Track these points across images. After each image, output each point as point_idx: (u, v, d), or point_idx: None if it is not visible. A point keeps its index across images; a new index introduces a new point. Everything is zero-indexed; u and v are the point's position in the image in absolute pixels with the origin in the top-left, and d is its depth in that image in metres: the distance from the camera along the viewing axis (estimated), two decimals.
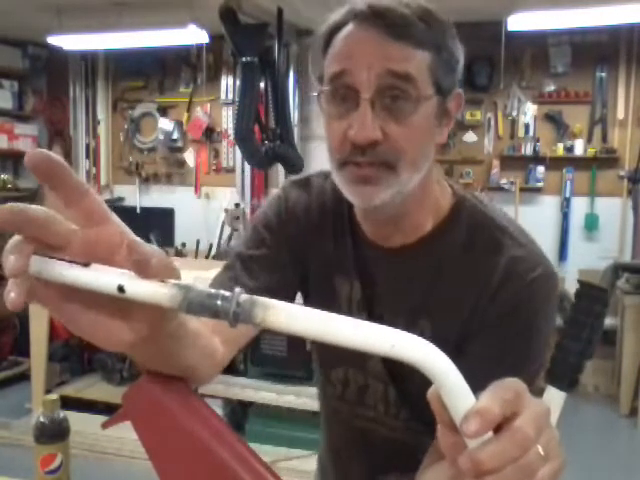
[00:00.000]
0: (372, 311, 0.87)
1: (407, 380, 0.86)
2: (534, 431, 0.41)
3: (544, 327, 0.80)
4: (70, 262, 0.44)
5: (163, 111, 5.04)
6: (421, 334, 0.83)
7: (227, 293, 0.43)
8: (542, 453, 0.41)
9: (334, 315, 0.43)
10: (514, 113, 4.41)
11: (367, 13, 0.72)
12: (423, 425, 0.87)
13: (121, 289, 0.43)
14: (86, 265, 0.44)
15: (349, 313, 0.87)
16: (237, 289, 0.43)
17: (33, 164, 0.43)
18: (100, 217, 0.46)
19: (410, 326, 0.83)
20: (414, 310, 0.84)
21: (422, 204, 0.82)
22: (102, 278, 0.43)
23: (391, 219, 0.82)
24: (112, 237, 0.46)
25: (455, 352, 0.82)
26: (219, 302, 0.42)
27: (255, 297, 0.43)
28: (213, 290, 0.43)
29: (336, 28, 0.75)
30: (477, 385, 0.42)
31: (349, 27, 0.74)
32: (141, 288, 0.43)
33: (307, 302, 0.92)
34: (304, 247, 0.89)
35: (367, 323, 0.42)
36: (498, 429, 0.41)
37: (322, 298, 0.89)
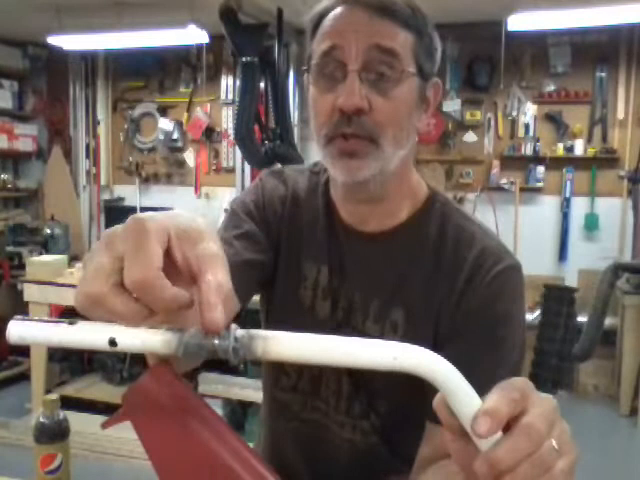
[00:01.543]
0: (339, 296, 0.88)
1: (360, 372, 0.86)
2: (545, 426, 0.41)
3: (516, 317, 0.81)
4: (53, 321, 0.43)
5: (163, 111, 5.04)
6: (394, 325, 0.83)
7: (223, 330, 0.42)
8: (556, 447, 0.41)
9: (333, 337, 0.42)
10: (514, 113, 4.41)
11: None
12: (373, 426, 0.88)
13: (112, 342, 0.42)
14: (72, 323, 0.43)
15: (313, 298, 0.89)
16: (232, 325, 0.43)
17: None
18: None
19: (383, 312, 0.85)
20: (387, 296, 0.85)
21: (401, 188, 0.85)
22: (92, 336, 0.42)
23: (371, 200, 0.84)
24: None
25: (432, 346, 0.82)
26: (216, 341, 0.42)
27: (252, 330, 0.42)
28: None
29: (325, 12, 0.79)
30: None
31: (338, 9, 0.78)
32: (133, 339, 0.42)
33: (274, 287, 0.92)
34: (278, 233, 0.91)
35: (367, 340, 0.42)
36: (508, 430, 0.41)
37: (289, 283, 0.90)
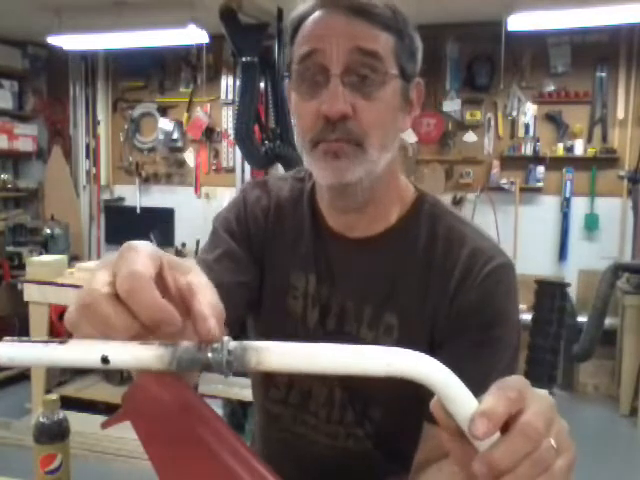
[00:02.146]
0: (330, 303, 0.87)
1: (353, 381, 0.85)
2: (543, 424, 0.41)
3: (509, 316, 0.81)
4: (44, 342, 0.42)
5: (163, 111, 5.04)
6: (389, 329, 0.83)
7: (215, 344, 0.42)
8: (554, 446, 0.41)
9: (326, 346, 0.42)
10: (514, 113, 4.41)
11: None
12: (367, 433, 0.87)
13: (105, 360, 0.42)
14: (62, 342, 0.43)
15: (304, 308, 0.88)
16: (225, 338, 0.43)
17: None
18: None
19: (377, 317, 0.84)
20: (380, 302, 0.84)
21: (388, 192, 0.84)
22: (83, 354, 0.42)
23: (358, 205, 0.83)
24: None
25: (427, 349, 0.82)
26: (210, 354, 0.42)
27: (245, 342, 0.42)
28: (199, 343, 0.42)
29: (303, 16, 0.78)
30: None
31: (316, 13, 0.77)
32: (125, 355, 0.42)
33: (261, 300, 0.91)
34: (262, 246, 0.91)
35: (360, 348, 0.42)
36: (506, 430, 0.41)
37: (277, 295, 0.89)
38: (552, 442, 0.41)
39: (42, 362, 0.42)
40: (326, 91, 0.74)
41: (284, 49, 3.59)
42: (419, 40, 0.81)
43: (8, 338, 0.43)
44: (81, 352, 0.42)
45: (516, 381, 0.43)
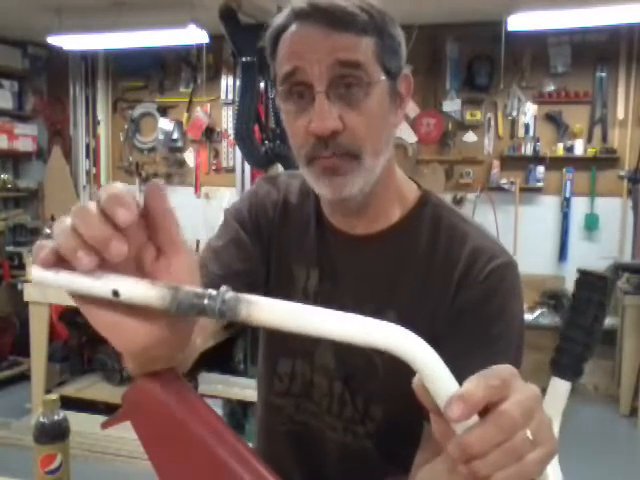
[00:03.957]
0: (332, 300, 0.86)
1: (354, 377, 0.86)
2: (521, 415, 0.41)
3: (512, 315, 0.81)
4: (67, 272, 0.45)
5: (163, 111, 5.04)
6: None
7: (213, 292, 0.44)
8: (530, 437, 0.41)
9: (315, 308, 0.44)
10: (514, 113, 4.41)
11: (307, 11, 0.74)
12: (367, 432, 0.87)
13: (116, 293, 0.44)
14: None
15: (305, 301, 0.87)
16: (223, 287, 0.44)
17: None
18: (177, 248, 0.48)
19: (376, 316, 0.83)
20: (380, 300, 0.84)
21: (386, 191, 0.85)
22: (96, 283, 0.44)
23: (359, 207, 0.83)
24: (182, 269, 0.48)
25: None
26: (206, 301, 0.44)
27: (240, 294, 0.44)
28: (200, 290, 0.44)
29: (280, 30, 0.77)
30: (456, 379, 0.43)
31: (292, 27, 0.76)
32: (134, 291, 0.44)
33: (267, 292, 0.91)
34: (270, 238, 0.92)
35: (348, 315, 0.44)
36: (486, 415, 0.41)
37: (280, 287, 0.91)
38: (528, 433, 0.41)
39: (59, 282, 0.45)
40: (313, 108, 0.74)
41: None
42: (400, 33, 0.80)
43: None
44: (94, 282, 0.44)
45: (504, 370, 0.43)
